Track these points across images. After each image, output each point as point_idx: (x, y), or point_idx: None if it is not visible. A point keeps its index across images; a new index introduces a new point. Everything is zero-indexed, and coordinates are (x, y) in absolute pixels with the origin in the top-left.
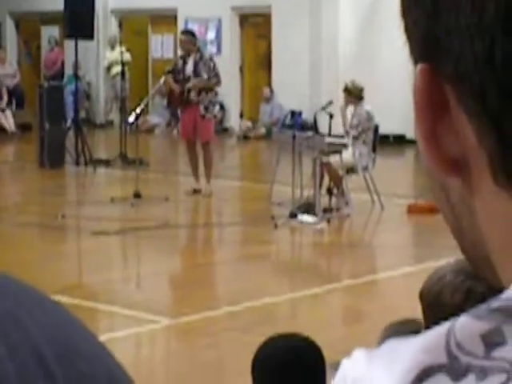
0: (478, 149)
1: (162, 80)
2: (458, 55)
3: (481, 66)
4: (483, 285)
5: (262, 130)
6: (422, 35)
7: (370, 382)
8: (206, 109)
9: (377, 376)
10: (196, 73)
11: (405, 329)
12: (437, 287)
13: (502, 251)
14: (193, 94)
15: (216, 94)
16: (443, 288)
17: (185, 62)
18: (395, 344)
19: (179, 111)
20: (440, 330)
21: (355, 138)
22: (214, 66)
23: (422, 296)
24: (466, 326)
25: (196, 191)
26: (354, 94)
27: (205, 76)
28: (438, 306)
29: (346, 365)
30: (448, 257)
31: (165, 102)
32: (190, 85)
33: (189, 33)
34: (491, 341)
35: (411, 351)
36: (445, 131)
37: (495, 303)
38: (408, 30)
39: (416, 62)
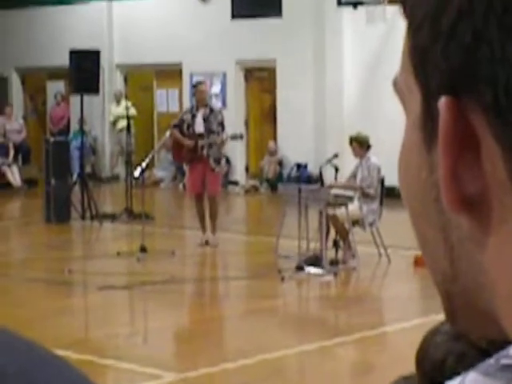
0: (506, 186)
1: (168, 134)
2: (503, 85)
3: None
4: (462, 345)
5: (265, 186)
6: (452, 67)
7: None
8: (217, 162)
9: None
10: (207, 128)
11: (413, 382)
12: (425, 346)
13: None
14: (205, 149)
15: (234, 137)
16: (430, 346)
17: (193, 116)
18: None
19: (186, 165)
20: None
21: (366, 195)
22: (223, 119)
23: (416, 354)
24: (475, 383)
25: (207, 242)
26: (363, 144)
27: (215, 129)
28: (424, 363)
29: None
30: None
31: (170, 156)
32: (202, 143)
33: (203, 83)
34: None
35: None
36: (467, 167)
37: (504, 360)
38: (426, 65)
39: (430, 96)
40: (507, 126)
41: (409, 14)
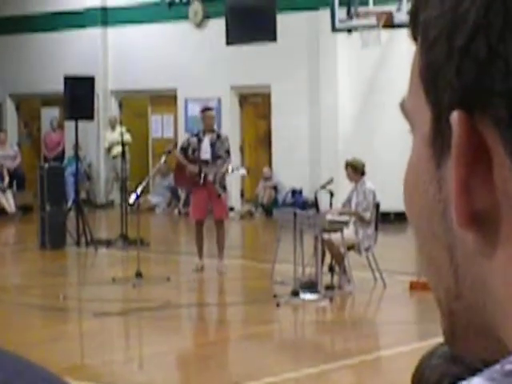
0: None
1: (163, 159)
2: None
3: None
4: (458, 368)
5: (260, 212)
6: (467, 82)
7: None
8: (223, 188)
9: None
10: (214, 154)
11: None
12: (421, 369)
13: None
14: (210, 176)
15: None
16: (425, 369)
17: (199, 140)
18: None
19: (186, 190)
20: None
21: (362, 220)
22: (229, 145)
23: (412, 376)
24: None
25: (203, 268)
26: (358, 169)
27: (222, 155)
28: None
29: None
30: None
31: (165, 181)
32: (208, 171)
33: (212, 109)
34: None
35: None
36: (478, 183)
37: (509, 366)
38: (438, 83)
39: (441, 113)
40: None
41: (421, 33)
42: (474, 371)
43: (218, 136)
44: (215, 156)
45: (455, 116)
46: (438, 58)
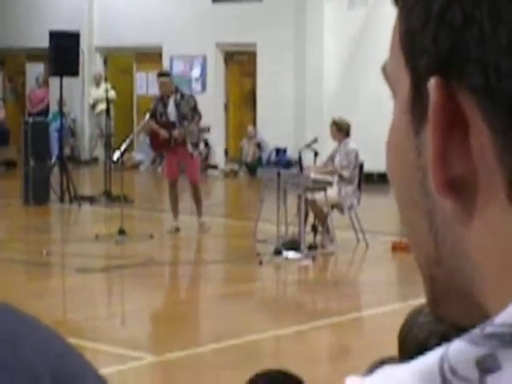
0: (494, 166)
1: (147, 117)
2: (493, 68)
3: None
4: (445, 326)
5: (244, 170)
6: (442, 49)
7: None
8: (195, 146)
9: None
10: (180, 114)
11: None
12: (408, 326)
13: (502, 273)
14: (180, 137)
15: (201, 130)
16: (413, 327)
17: (164, 104)
18: (390, 371)
19: (162, 153)
20: (434, 355)
21: (341, 177)
22: (195, 103)
23: (399, 334)
24: (460, 351)
25: (178, 229)
26: (343, 130)
27: (188, 115)
28: (407, 343)
29: None
30: None
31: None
32: (176, 134)
33: (167, 74)
34: (486, 366)
35: (405, 377)
36: (455, 149)
37: (489, 329)
38: (416, 49)
39: (420, 79)
40: (497, 107)
41: (400, 0)
42: (460, 330)
43: (182, 96)
44: (181, 116)
45: (432, 82)
46: (416, 24)
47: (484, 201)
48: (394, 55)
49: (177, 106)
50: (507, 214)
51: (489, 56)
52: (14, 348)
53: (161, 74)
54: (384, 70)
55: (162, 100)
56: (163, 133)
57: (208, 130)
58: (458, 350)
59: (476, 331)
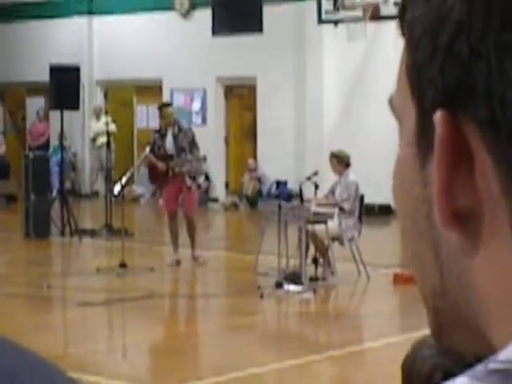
0: (499, 199)
1: (148, 150)
2: (498, 99)
3: None
4: (450, 359)
5: (245, 203)
6: (449, 81)
7: None
8: (192, 179)
9: None
10: (177, 147)
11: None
12: (411, 359)
13: (506, 306)
14: (177, 168)
15: (202, 161)
16: (416, 360)
17: (162, 137)
18: None
19: (160, 187)
20: None
21: (342, 210)
22: (193, 136)
23: (402, 366)
24: None
25: (178, 263)
26: (343, 161)
27: (186, 147)
28: (410, 376)
29: None
30: None
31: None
32: (173, 164)
33: (170, 104)
34: None
35: None
36: (460, 182)
37: (492, 365)
38: (422, 81)
39: (426, 112)
40: (502, 140)
41: (407, 32)
42: (465, 364)
43: (180, 129)
44: (179, 149)
45: (438, 115)
46: (423, 56)
47: (489, 233)
48: (400, 87)
49: (175, 138)
50: (511, 246)
51: (495, 88)
52: None
53: (164, 105)
54: (390, 102)
55: (160, 132)
56: (161, 165)
57: (204, 159)
58: None
59: (479, 367)
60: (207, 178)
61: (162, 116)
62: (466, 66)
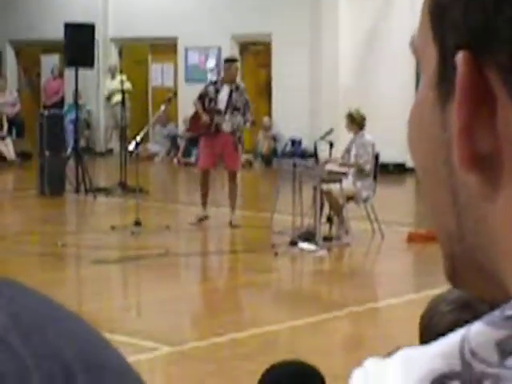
0: None
1: (162, 108)
2: None
3: None
4: (469, 314)
5: (260, 161)
6: (472, 25)
7: None
8: (239, 139)
9: None
10: (231, 104)
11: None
12: (429, 314)
13: None
14: (226, 126)
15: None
16: (434, 315)
17: (217, 90)
18: (409, 352)
19: (196, 136)
20: (454, 338)
21: (361, 171)
22: (248, 100)
23: (420, 322)
24: (481, 333)
25: (203, 218)
26: (356, 122)
27: (240, 107)
28: (428, 332)
29: (357, 375)
30: (448, 284)
31: (165, 130)
32: (220, 121)
33: (236, 60)
34: (506, 349)
35: (426, 359)
36: (481, 125)
37: (509, 311)
38: (445, 23)
39: (447, 54)
40: None
41: None
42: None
43: (237, 87)
44: (232, 107)
45: (460, 56)
46: None
47: (509, 178)
48: (422, 30)
49: (230, 95)
50: None
51: None
52: (43, 334)
53: (232, 60)
54: (412, 44)
55: (216, 85)
56: (205, 117)
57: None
58: (479, 332)
59: (496, 313)
60: None
61: (226, 69)
62: (489, 11)
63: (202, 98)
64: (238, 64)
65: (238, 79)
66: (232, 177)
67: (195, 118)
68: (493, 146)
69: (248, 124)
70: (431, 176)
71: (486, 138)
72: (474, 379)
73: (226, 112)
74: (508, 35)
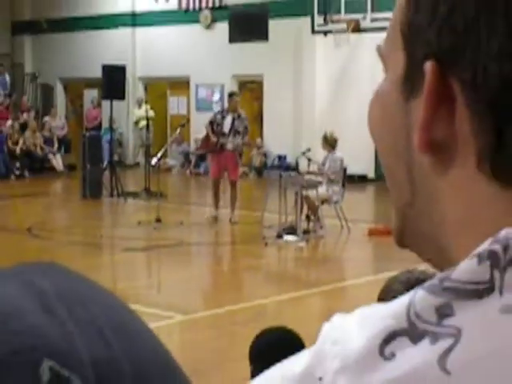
0: (469, 139)
1: (178, 131)
2: (481, 68)
3: (505, 88)
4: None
5: (253, 173)
6: (443, 45)
7: (346, 343)
8: (240, 156)
9: (353, 338)
10: (234, 128)
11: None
12: (385, 291)
13: (463, 225)
14: (229, 146)
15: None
16: (389, 292)
17: (223, 117)
18: (366, 311)
19: (205, 153)
20: (402, 301)
21: (330, 180)
22: (247, 124)
23: (378, 297)
24: (424, 299)
25: (216, 219)
26: (329, 143)
27: (241, 131)
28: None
29: (326, 327)
30: (400, 268)
31: (180, 148)
32: (226, 142)
33: (238, 94)
34: (443, 312)
35: (379, 318)
36: (440, 119)
37: (446, 283)
38: (417, 39)
39: (415, 62)
40: (477, 98)
41: None
42: None
43: (239, 116)
44: (234, 131)
45: (429, 66)
46: (422, 20)
47: (459, 162)
48: (391, 37)
49: (233, 122)
50: (475, 176)
51: (480, 59)
52: (82, 306)
53: (234, 94)
54: (379, 49)
55: (222, 114)
56: (213, 138)
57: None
58: (422, 298)
59: (436, 282)
60: None
61: (229, 102)
62: (459, 37)
63: (211, 123)
64: (238, 97)
65: (240, 109)
66: (233, 185)
67: (206, 138)
68: (447, 137)
69: (246, 145)
70: (391, 150)
71: (442, 130)
72: (417, 335)
73: (229, 135)
74: (471, 58)
